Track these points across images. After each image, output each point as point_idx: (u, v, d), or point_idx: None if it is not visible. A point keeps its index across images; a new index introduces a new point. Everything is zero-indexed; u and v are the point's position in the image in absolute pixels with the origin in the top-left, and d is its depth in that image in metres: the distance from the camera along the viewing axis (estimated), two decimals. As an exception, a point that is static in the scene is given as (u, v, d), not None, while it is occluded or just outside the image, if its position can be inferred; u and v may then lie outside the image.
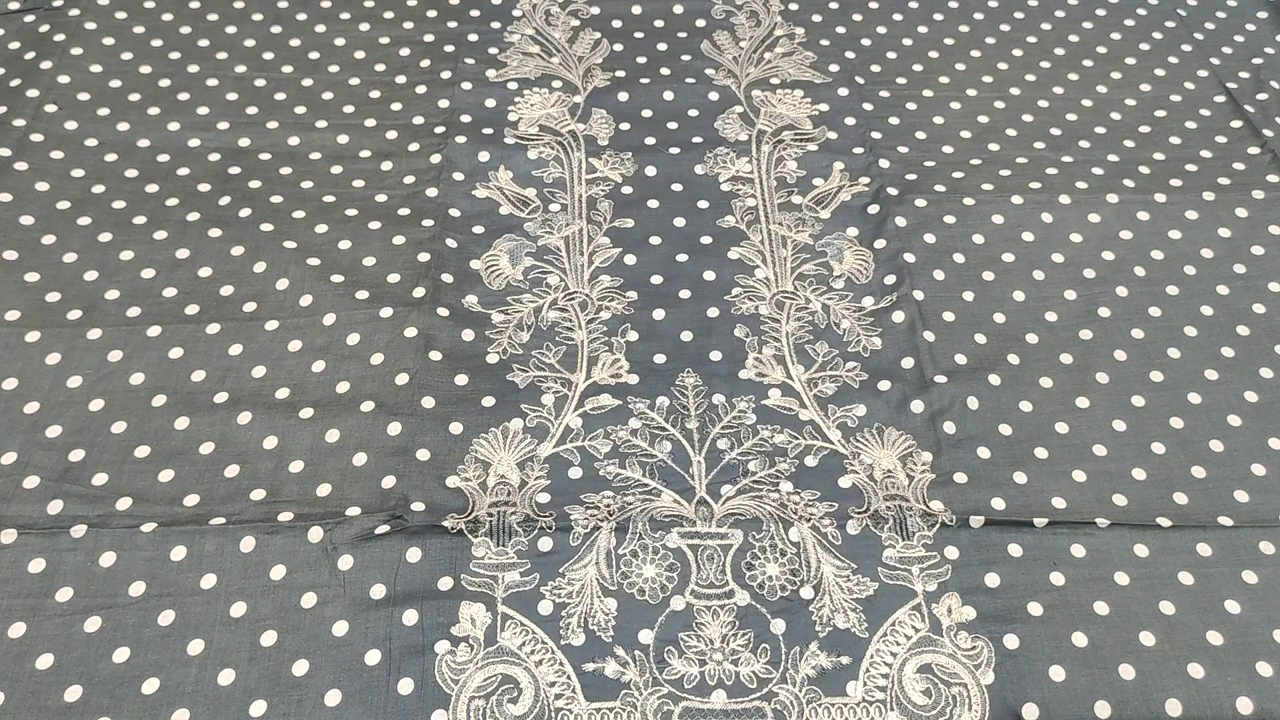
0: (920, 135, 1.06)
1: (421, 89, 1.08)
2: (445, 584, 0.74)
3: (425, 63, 1.11)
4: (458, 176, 0.99)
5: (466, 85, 1.08)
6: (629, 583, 0.75)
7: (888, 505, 0.79)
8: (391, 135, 1.03)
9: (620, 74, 1.11)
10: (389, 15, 1.15)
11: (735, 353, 0.88)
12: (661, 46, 1.15)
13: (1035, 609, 0.75)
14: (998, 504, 0.80)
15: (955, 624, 0.74)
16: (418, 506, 0.78)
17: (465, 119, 1.05)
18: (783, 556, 0.76)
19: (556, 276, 0.93)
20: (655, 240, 0.96)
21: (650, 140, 1.05)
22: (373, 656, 0.71)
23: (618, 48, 1.14)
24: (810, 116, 1.08)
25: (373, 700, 0.69)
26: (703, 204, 1.00)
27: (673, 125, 1.06)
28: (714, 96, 1.09)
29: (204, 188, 0.97)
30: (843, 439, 0.83)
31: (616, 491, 0.79)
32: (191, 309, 0.89)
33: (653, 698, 0.70)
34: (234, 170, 0.99)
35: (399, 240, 0.94)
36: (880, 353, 0.89)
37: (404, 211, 0.97)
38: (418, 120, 1.05)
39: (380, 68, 1.10)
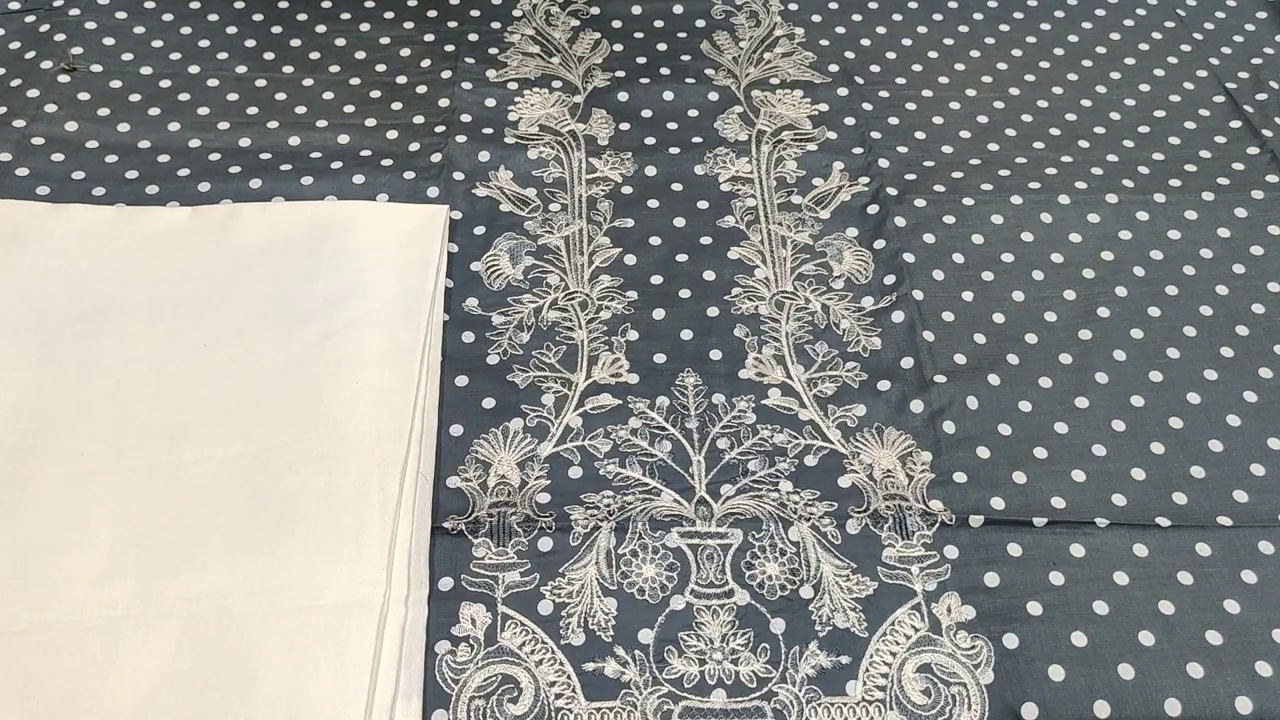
0: (920, 135, 1.07)
1: (422, 89, 1.08)
2: (446, 584, 0.74)
3: (425, 63, 1.11)
4: (458, 176, 0.99)
5: (467, 85, 1.08)
6: (629, 582, 0.75)
7: (887, 505, 0.80)
8: (392, 135, 1.03)
9: (620, 74, 1.11)
10: (389, 15, 1.16)
11: (735, 352, 0.89)
12: (661, 46, 1.15)
13: (1035, 608, 0.75)
14: (997, 504, 0.80)
15: (955, 623, 0.74)
16: (418, 506, 0.78)
17: (465, 119, 1.05)
18: (782, 556, 0.77)
19: (556, 276, 0.93)
20: (655, 240, 0.97)
21: (650, 140, 1.05)
22: (373, 656, 0.71)
23: (618, 48, 1.14)
24: (810, 116, 1.08)
25: (373, 700, 0.70)
26: (702, 204, 1.00)
27: (672, 125, 1.07)
28: (714, 96, 1.09)
29: (204, 187, 0.97)
30: (842, 439, 0.84)
31: (616, 491, 0.80)
32: (192, 309, 0.90)
33: (653, 697, 0.70)
34: (234, 169, 0.99)
35: (399, 240, 0.95)
36: (880, 353, 0.89)
37: (404, 211, 0.97)
38: (418, 120, 1.05)
39: (381, 68, 1.10)
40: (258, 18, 1.14)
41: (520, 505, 0.78)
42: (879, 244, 0.96)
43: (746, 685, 0.71)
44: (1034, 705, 0.70)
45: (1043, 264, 0.96)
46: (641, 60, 1.13)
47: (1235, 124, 1.09)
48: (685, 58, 1.13)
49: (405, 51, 1.12)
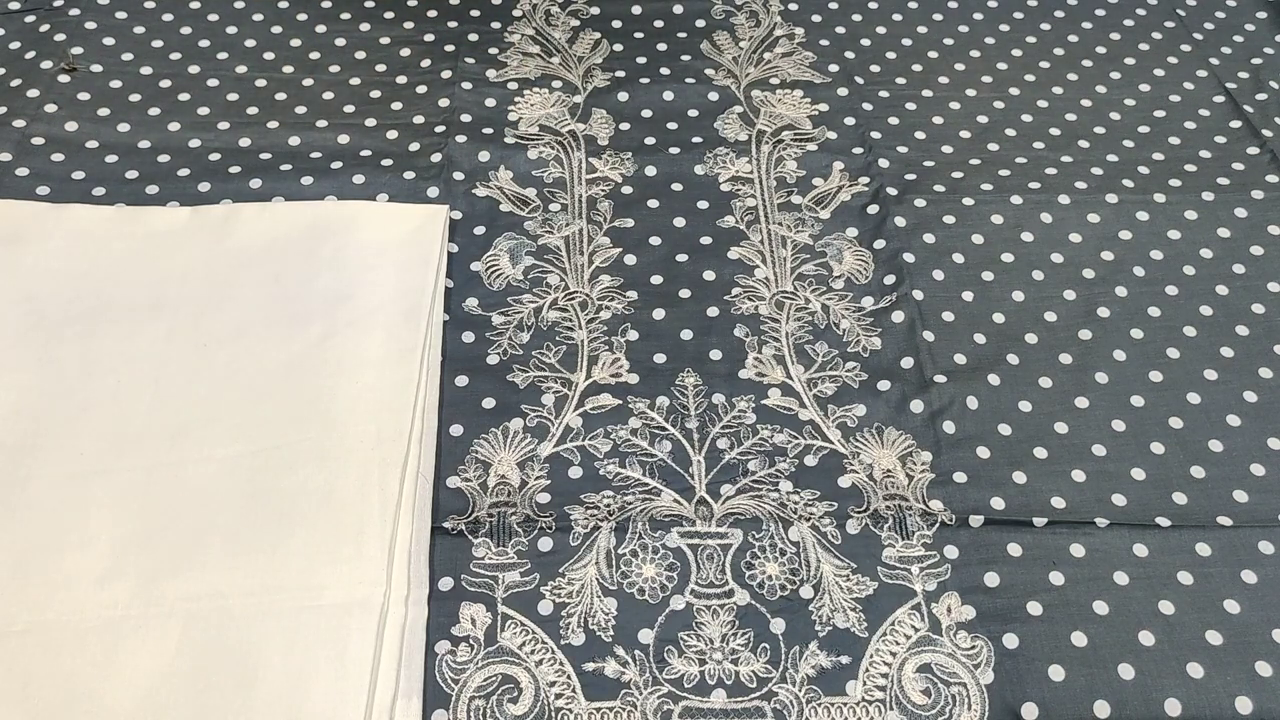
0: (920, 135, 1.07)
1: (422, 89, 1.08)
2: (446, 584, 0.74)
3: (425, 63, 1.11)
4: (458, 176, 0.99)
5: (466, 85, 1.08)
6: (629, 582, 0.75)
7: (887, 505, 0.80)
8: (392, 135, 1.03)
9: (620, 74, 1.11)
10: (389, 15, 1.16)
11: (735, 352, 0.89)
12: (661, 46, 1.15)
13: (1035, 608, 0.75)
14: (997, 504, 0.80)
15: (955, 623, 0.74)
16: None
17: (465, 118, 1.05)
18: (782, 556, 0.77)
19: (556, 276, 0.93)
20: (655, 240, 0.97)
21: (650, 140, 1.05)
22: (373, 656, 0.72)
23: (618, 48, 1.14)
24: (810, 116, 1.08)
25: (373, 700, 0.70)
26: (702, 204, 1.00)
27: (672, 125, 1.07)
28: (714, 96, 1.09)
29: (204, 187, 0.97)
30: (842, 439, 0.84)
31: (616, 491, 0.80)
32: (192, 309, 0.90)
33: (653, 697, 0.70)
34: (234, 169, 0.99)
35: (399, 240, 0.95)
36: (880, 353, 0.89)
37: (404, 211, 0.97)
38: (418, 120, 1.05)
39: (381, 68, 1.10)
40: (258, 18, 1.14)
41: (520, 505, 0.78)
42: (879, 244, 0.97)
43: (746, 685, 0.71)
44: (1034, 705, 0.70)
45: (1043, 264, 0.96)
46: (641, 60, 1.13)
47: (1235, 124, 1.09)
48: (685, 58, 1.13)
49: (405, 51, 1.12)
